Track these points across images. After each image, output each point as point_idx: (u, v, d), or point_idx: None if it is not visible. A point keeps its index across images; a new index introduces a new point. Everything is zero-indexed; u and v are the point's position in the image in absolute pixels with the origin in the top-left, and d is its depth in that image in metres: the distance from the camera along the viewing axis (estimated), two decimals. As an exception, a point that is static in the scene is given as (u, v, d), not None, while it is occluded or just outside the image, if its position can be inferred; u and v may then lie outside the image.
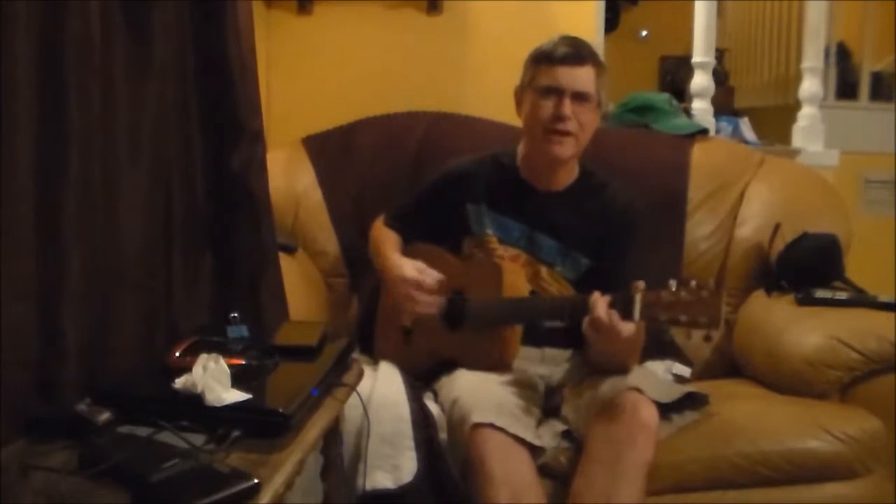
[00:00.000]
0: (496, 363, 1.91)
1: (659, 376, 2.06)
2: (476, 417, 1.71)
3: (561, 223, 2.01)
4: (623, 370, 1.83)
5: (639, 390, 1.75)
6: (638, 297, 1.64)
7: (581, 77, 1.92)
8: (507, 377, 1.89)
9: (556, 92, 1.92)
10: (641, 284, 1.65)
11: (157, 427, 1.20)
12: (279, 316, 1.77)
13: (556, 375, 1.99)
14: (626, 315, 1.65)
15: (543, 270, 2.01)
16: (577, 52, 1.94)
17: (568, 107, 1.91)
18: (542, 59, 1.96)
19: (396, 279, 2.02)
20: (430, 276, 1.99)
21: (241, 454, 1.15)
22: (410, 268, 2.01)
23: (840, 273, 2.37)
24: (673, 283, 1.62)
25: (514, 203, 2.04)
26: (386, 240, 2.15)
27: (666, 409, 1.80)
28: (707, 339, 1.61)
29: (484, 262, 2.01)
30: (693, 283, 1.61)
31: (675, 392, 1.86)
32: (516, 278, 1.95)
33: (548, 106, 1.93)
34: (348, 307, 2.49)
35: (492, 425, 1.70)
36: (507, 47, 2.74)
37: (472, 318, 1.95)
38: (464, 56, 2.84)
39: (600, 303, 1.68)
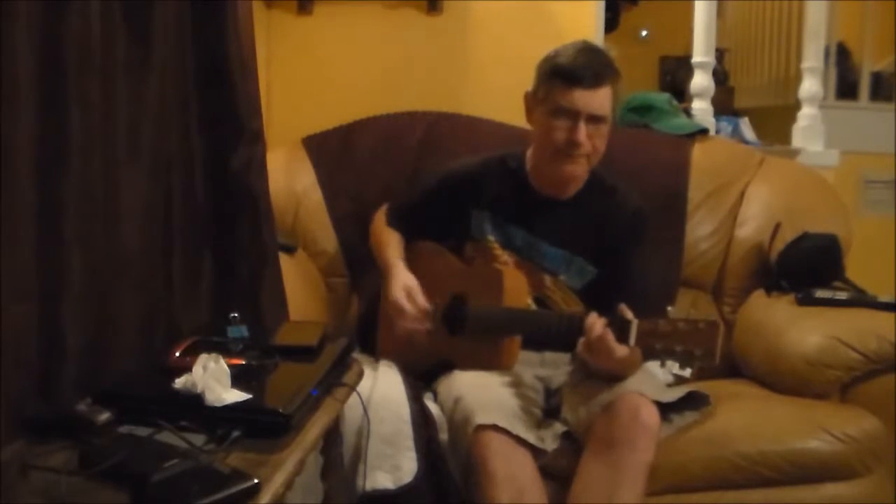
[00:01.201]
0: (495, 368, 1.91)
1: (659, 379, 2.06)
2: (480, 418, 1.71)
3: (567, 230, 1.99)
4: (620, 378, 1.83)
5: (640, 393, 1.75)
6: (634, 325, 1.64)
7: (598, 99, 1.87)
8: (508, 378, 1.89)
9: (572, 115, 1.88)
10: (630, 314, 1.66)
11: (157, 427, 1.20)
12: (279, 316, 1.77)
13: (556, 378, 1.99)
14: (622, 342, 1.65)
15: (547, 279, 2.00)
16: (596, 72, 1.86)
17: (583, 132, 1.87)
18: (559, 76, 1.89)
19: (388, 296, 2.02)
20: (418, 303, 1.98)
21: (241, 454, 1.15)
22: (401, 290, 1.99)
23: (840, 273, 2.37)
24: (672, 311, 1.61)
25: (520, 211, 2.02)
26: (389, 241, 2.14)
27: (666, 410, 1.80)
28: (701, 369, 1.60)
29: (485, 267, 2.00)
30: (692, 312, 1.60)
31: (676, 394, 1.86)
32: (517, 284, 1.94)
33: (562, 128, 1.89)
34: (348, 307, 2.49)
35: (495, 426, 1.70)
36: (507, 47, 2.76)
37: (471, 324, 1.94)
38: (464, 56, 2.84)
39: (597, 325, 1.68)
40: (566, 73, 1.88)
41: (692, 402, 1.88)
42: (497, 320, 1.91)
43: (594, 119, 1.88)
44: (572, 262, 1.99)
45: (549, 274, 2.00)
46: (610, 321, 1.68)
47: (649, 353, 1.64)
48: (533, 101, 1.98)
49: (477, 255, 2.04)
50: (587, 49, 1.92)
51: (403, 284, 2.00)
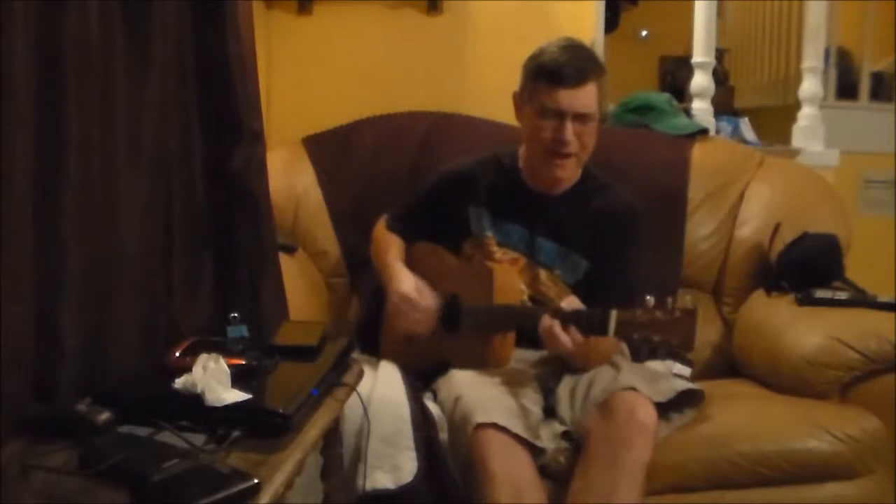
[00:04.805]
0: (490, 365, 1.91)
1: (653, 372, 2.05)
2: (479, 417, 1.71)
3: (560, 226, 2.00)
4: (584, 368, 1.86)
5: (633, 388, 1.75)
6: (613, 315, 1.65)
7: (583, 98, 1.88)
8: (507, 377, 1.89)
9: (558, 115, 1.89)
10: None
11: (157, 427, 1.20)
12: (279, 316, 1.77)
13: (555, 376, 1.98)
14: (601, 332, 1.66)
15: (543, 274, 2.00)
16: (579, 71, 1.87)
17: (570, 130, 1.88)
18: (543, 77, 1.90)
19: (394, 292, 2.02)
20: (427, 298, 1.99)
21: (241, 454, 1.15)
22: (410, 285, 2.01)
23: (840, 273, 2.37)
24: (650, 300, 1.62)
25: (515, 206, 2.03)
26: (389, 245, 2.14)
27: (665, 409, 1.80)
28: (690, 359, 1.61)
29: (477, 265, 2.01)
30: (669, 301, 1.60)
31: (670, 389, 1.85)
32: (508, 280, 1.94)
33: (548, 128, 1.90)
34: (348, 307, 2.49)
35: (495, 425, 1.70)
36: (507, 47, 2.74)
37: (465, 322, 1.95)
38: (464, 56, 2.84)
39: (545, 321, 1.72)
40: (550, 72, 1.89)
41: (691, 398, 1.88)
42: (487, 317, 1.92)
43: (580, 117, 1.89)
44: (567, 257, 2.00)
45: (544, 269, 2.00)
46: (589, 314, 1.69)
47: (628, 343, 1.65)
48: (520, 101, 2.00)
49: (474, 252, 2.04)
50: (570, 46, 1.93)
51: (413, 282, 2.01)
